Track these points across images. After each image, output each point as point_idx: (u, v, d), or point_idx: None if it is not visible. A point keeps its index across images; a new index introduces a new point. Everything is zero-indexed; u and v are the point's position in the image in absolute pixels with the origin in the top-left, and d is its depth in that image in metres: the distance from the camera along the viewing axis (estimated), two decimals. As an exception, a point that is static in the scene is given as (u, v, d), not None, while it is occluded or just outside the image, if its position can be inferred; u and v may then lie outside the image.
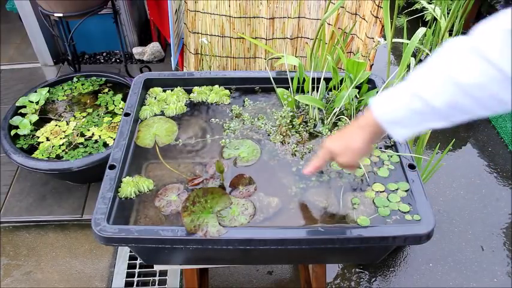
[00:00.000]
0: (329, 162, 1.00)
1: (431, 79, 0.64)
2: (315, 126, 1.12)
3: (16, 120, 1.83)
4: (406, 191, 0.94)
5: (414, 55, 2.09)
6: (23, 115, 1.87)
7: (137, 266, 1.66)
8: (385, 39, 1.34)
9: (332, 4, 1.51)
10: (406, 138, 0.71)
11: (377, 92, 1.13)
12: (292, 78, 1.18)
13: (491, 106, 0.61)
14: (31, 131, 1.82)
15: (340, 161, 0.82)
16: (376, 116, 0.72)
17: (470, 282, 1.62)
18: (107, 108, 1.92)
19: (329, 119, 1.11)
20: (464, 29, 2.47)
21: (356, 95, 1.17)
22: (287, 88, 1.20)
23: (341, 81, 1.16)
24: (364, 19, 1.61)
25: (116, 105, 1.92)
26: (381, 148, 1.05)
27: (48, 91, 1.98)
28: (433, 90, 0.63)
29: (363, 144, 0.76)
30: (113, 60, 2.73)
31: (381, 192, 0.94)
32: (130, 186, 0.93)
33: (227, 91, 1.22)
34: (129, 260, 1.68)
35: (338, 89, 1.16)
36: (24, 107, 1.90)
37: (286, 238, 0.82)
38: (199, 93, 1.20)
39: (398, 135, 0.71)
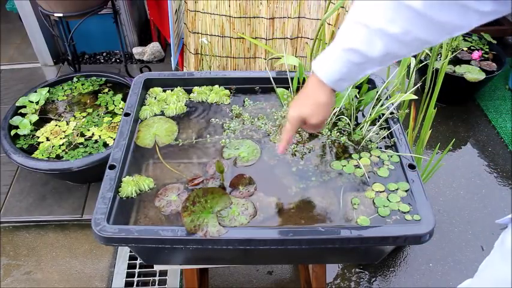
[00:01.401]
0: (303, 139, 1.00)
1: (364, 33, 0.70)
2: (315, 126, 1.12)
3: (16, 120, 1.83)
4: (406, 191, 0.94)
5: (414, 55, 2.09)
6: (23, 115, 1.87)
7: (137, 266, 1.66)
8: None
9: (332, 4, 1.51)
10: (348, 86, 0.80)
11: (377, 92, 1.13)
12: (292, 78, 1.18)
13: (417, 47, 0.70)
14: (31, 131, 1.82)
15: (312, 122, 0.84)
16: (322, 78, 0.78)
17: (470, 282, 1.62)
18: (107, 108, 1.92)
19: (329, 119, 1.11)
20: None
21: (356, 95, 1.17)
22: (287, 88, 1.20)
23: (341, 81, 1.15)
24: (364, 19, 1.60)
25: (116, 105, 1.92)
26: (381, 148, 1.05)
27: (48, 91, 1.98)
28: (368, 43, 0.70)
29: (329, 98, 0.81)
30: (113, 60, 2.73)
31: (380, 192, 0.94)
32: (131, 185, 0.93)
33: (227, 91, 1.22)
34: (129, 260, 1.68)
35: (338, 89, 1.15)
36: (24, 107, 1.90)
37: (286, 238, 0.82)
38: (199, 93, 1.20)
39: (343, 87, 0.80)
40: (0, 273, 1.65)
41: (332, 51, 0.75)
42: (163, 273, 1.64)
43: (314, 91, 0.81)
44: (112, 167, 0.95)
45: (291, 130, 0.87)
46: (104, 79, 2.06)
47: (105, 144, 1.75)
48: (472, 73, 2.27)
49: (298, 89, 1.20)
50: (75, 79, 2.05)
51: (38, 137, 1.79)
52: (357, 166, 1.01)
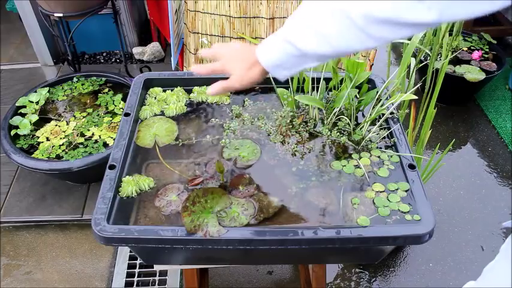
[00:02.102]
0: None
1: (304, 29, 0.74)
2: (315, 126, 1.12)
3: (16, 120, 1.83)
4: (406, 191, 0.94)
5: (414, 55, 2.09)
6: (23, 115, 1.87)
7: (137, 266, 1.66)
8: (385, 39, 1.33)
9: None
10: (288, 77, 0.85)
11: (377, 92, 1.13)
12: (292, 78, 1.18)
13: (347, 53, 0.76)
14: (31, 131, 1.82)
15: (234, 83, 0.87)
16: (261, 62, 0.82)
17: (470, 282, 1.62)
18: (107, 108, 1.92)
19: (329, 119, 1.11)
20: (464, 29, 2.45)
21: (356, 95, 1.17)
22: (287, 88, 1.20)
23: (341, 81, 1.16)
24: (364, 19, 1.60)
25: (116, 105, 1.92)
26: (381, 148, 1.05)
27: (48, 91, 1.98)
28: (304, 39, 0.74)
29: (260, 77, 0.86)
30: (113, 60, 2.73)
31: (381, 192, 0.94)
32: (131, 185, 0.93)
33: (227, 91, 1.22)
34: (129, 260, 1.68)
35: (338, 89, 1.16)
36: (24, 107, 1.90)
37: (286, 238, 0.82)
38: (199, 93, 1.20)
39: (281, 75, 0.84)
40: (0, 273, 1.65)
41: (275, 39, 0.80)
42: (163, 273, 1.64)
43: (252, 65, 0.85)
44: (112, 167, 0.95)
45: (214, 70, 0.89)
46: (104, 79, 2.06)
47: (105, 144, 1.75)
48: (472, 73, 2.27)
49: (298, 89, 1.20)
50: (75, 79, 2.06)
51: (38, 137, 1.79)
52: (357, 166, 1.01)
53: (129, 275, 1.63)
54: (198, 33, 1.82)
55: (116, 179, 0.93)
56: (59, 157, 1.70)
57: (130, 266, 1.66)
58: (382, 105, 1.09)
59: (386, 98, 1.13)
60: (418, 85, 1.40)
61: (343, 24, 0.69)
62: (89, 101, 1.96)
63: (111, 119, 1.86)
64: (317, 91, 1.15)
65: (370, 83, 1.20)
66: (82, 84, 2.03)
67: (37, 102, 1.93)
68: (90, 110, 1.91)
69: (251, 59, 0.85)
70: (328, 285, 1.63)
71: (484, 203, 1.92)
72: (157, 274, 1.64)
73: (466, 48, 2.45)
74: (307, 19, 0.74)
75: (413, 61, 1.32)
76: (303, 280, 1.51)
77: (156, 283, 1.61)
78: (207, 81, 1.23)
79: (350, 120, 1.10)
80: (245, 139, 1.08)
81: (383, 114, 1.09)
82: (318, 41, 0.73)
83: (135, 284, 1.61)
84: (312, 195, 0.94)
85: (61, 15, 1.96)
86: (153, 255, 0.97)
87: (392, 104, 1.08)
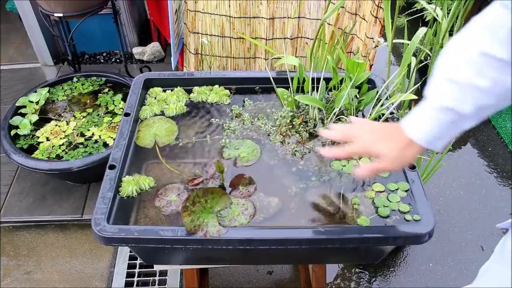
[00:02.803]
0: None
1: (453, 89, 0.69)
2: (315, 126, 1.12)
3: (16, 120, 1.83)
4: (406, 191, 0.94)
5: (415, 55, 2.09)
6: (23, 115, 1.87)
7: (137, 266, 1.66)
8: (385, 39, 1.33)
9: (332, 4, 1.51)
10: (445, 146, 0.77)
11: (377, 92, 1.13)
12: (292, 78, 1.18)
13: (507, 95, 0.68)
14: (31, 131, 1.82)
15: (389, 166, 0.80)
16: (418, 141, 0.75)
17: (470, 282, 1.61)
18: (107, 108, 1.92)
19: (329, 119, 1.11)
20: (465, 29, 2.41)
21: (356, 95, 1.17)
22: (287, 88, 1.20)
23: (341, 81, 1.16)
24: (364, 19, 1.61)
25: (116, 105, 1.92)
26: (381, 148, 1.05)
27: (48, 91, 1.98)
28: (459, 99, 0.69)
29: (416, 156, 0.79)
30: (113, 60, 2.73)
31: (381, 192, 0.94)
32: (131, 184, 0.93)
33: (227, 91, 1.22)
34: (129, 260, 1.68)
35: (338, 89, 1.16)
36: (24, 107, 1.90)
37: (286, 238, 0.82)
38: (199, 93, 1.20)
39: (439, 147, 0.76)
40: (0, 273, 1.65)
41: (423, 111, 0.74)
42: (163, 273, 1.64)
43: (407, 145, 0.77)
44: (112, 167, 0.95)
45: (355, 153, 0.83)
46: (104, 79, 2.06)
47: (105, 144, 1.75)
48: (472, 73, 2.26)
49: (298, 89, 1.20)
50: (75, 79, 2.05)
51: (38, 137, 1.79)
52: (357, 166, 1.00)
53: (129, 275, 1.63)
54: (198, 33, 1.82)
55: (116, 179, 0.93)
56: (59, 157, 1.70)
57: (130, 266, 1.66)
58: (382, 105, 1.09)
59: (387, 98, 1.13)
60: (418, 85, 1.40)
61: (492, 65, 0.65)
62: (89, 101, 1.96)
63: (111, 119, 1.86)
64: (317, 91, 1.15)
65: (370, 83, 1.20)
66: (82, 84, 2.03)
67: (37, 102, 1.93)
68: (90, 110, 1.91)
69: (403, 138, 0.77)
70: (328, 285, 1.63)
71: (484, 203, 1.92)
72: (157, 274, 1.64)
73: (466, 48, 2.44)
74: (452, 75, 0.69)
75: (413, 61, 1.32)
76: (303, 280, 1.51)
77: (156, 283, 1.61)
78: (207, 81, 1.23)
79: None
80: (245, 139, 1.08)
81: (383, 114, 1.09)
82: (474, 95, 0.68)
83: (135, 284, 1.61)
84: (312, 195, 0.94)
85: (61, 15, 1.96)
86: (153, 255, 0.97)
87: (392, 104, 1.08)
